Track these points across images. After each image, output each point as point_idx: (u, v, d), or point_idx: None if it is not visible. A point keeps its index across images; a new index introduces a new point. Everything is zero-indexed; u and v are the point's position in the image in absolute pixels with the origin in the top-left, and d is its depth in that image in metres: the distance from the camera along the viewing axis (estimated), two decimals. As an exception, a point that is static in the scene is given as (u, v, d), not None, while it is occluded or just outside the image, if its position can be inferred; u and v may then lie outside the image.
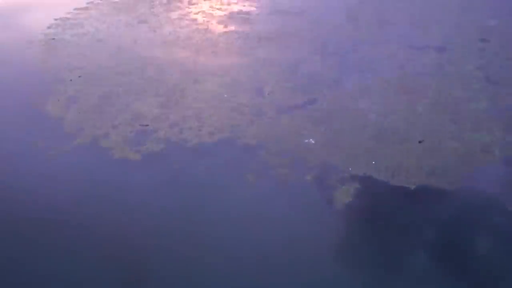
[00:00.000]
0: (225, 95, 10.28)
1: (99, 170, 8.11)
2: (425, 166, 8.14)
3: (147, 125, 9.02)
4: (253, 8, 17.56)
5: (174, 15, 16.56)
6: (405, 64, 12.28)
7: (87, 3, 18.11)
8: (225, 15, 16.62)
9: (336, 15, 16.83)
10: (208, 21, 15.83)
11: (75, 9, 17.07)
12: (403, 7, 18.38)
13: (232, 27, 15.17)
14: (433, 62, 12.46)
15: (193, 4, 18.21)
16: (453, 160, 8.30)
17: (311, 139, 8.67)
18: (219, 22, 15.74)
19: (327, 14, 17.06)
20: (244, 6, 17.89)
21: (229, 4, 18.24)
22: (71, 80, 11.00)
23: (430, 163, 8.21)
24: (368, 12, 17.26)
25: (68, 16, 16.17)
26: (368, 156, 8.34)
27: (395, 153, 8.39)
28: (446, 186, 7.78)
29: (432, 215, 7.36)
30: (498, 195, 7.76)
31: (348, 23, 15.91)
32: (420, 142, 8.61)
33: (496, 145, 8.70)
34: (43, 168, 8.13)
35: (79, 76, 11.20)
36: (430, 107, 9.88)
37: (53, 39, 13.87)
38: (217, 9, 17.44)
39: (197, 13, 16.82)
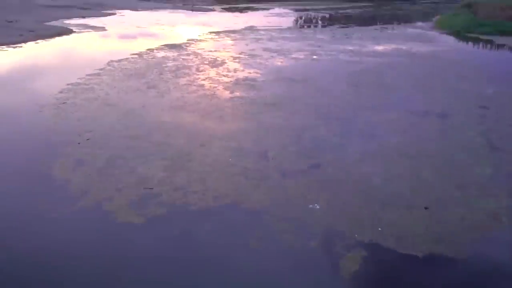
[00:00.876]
0: (230, 159, 10.38)
1: (101, 234, 8.00)
2: (432, 233, 7.98)
3: (151, 189, 9.03)
4: (258, 75, 18.27)
5: (183, 81, 17.23)
6: (407, 129, 12.48)
7: (100, 69, 18.98)
8: (231, 81, 17.26)
9: (338, 83, 17.45)
10: (215, 87, 16.41)
11: (88, 75, 17.84)
12: (402, 76, 19.07)
13: (238, 93, 15.67)
14: (435, 128, 12.67)
15: (201, 71, 19.02)
16: (460, 227, 8.15)
17: (316, 205, 8.61)
18: (226, 88, 16.30)
19: (329, 82, 17.70)
20: (250, 73, 18.64)
21: (235, 71, 19.03)
22: (79, 143, 11.20)
23: (437, 230, 8.05)
24: (369, 80, 17.90)
25: (80, 81, 16.85)
26: (374, 222, 8.22)
27: (401, 220, 8.27)
28: (454, 254, 7.57)
29: (440, 284, 7.10)
30: (507, 262, 7.53)
31: (349, 90, 16.44)
32: (426, 208, 8.51)
33: (503, 211, 8.57)
34: (43, 231, 8.04)
35: (87, 139, 11.41)
36: (434, 172, 9.88)
37: (65, 103, 14.33)
38: (224, 75, 18.16)
39: (204, 79, 17.50)
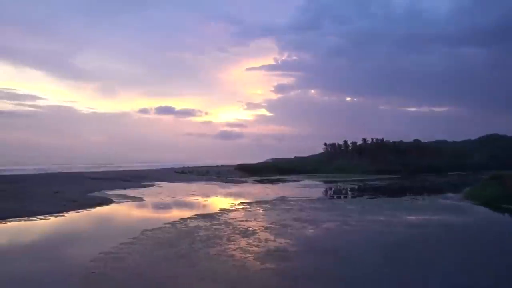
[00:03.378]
0: None
1: None
2: None
3: None
4: (289, 246, 18.02)
5: (213, 251, 17.11)
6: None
7: (133, 238, 19.35)
8: (262, 251, 17.00)
9: (371, 255, 16.86)
10: (245, 258, 16.11)
11: (121, 243, 18.12)
12: (439, 249, 18.36)
13: (268, 264, 15.24)
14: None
15: (232, 241, 19.04)
16: None
17: None
18: (256, 259, 15.96)
19: (362, 254, 17.15)
20: (281, 243, 18.46)
21: (266, 241, 18.93)
22: (102, 317, 10.71)
23: None
24: (403, 252, 17.26)
25: (113, 250, 17.03)
26: None
27: None
28: None
29: None
30: None
31: (385, 263, 15.73)
32: None
33: None
34: None
35: (111, 313, 10.93)
36: None
37: (93, 272, 14.24)
38: (255, 246, 18.00)
39: (235, 250, 17.34)
